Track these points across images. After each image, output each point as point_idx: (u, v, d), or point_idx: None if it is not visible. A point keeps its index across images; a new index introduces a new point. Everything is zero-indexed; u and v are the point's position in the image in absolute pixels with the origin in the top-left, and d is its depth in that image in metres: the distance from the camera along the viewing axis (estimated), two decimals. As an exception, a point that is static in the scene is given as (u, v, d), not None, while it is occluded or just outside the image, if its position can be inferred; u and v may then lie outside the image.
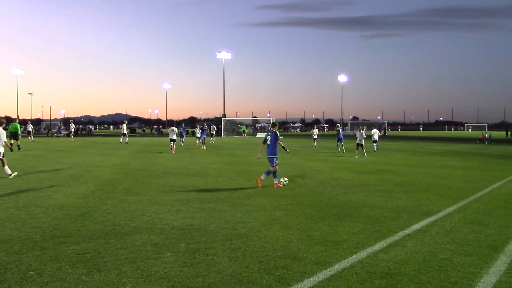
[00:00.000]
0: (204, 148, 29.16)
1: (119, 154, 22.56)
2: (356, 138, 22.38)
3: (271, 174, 11.15)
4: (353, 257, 5.19)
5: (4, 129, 12.71)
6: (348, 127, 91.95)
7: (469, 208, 8.32)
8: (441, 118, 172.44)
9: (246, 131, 66.66)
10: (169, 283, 4.30)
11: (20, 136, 26.28)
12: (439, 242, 5.86)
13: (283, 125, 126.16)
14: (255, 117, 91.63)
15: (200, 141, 31.34)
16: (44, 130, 75.85)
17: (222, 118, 65.53)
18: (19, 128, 26.48)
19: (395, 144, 38.52)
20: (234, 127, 68.73)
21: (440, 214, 7.70)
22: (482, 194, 10.17)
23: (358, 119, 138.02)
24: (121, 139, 34.11)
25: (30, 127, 40.64)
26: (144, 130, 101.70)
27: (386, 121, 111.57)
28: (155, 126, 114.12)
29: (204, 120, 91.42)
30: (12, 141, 23.55)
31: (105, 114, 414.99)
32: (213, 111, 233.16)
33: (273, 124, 11.78)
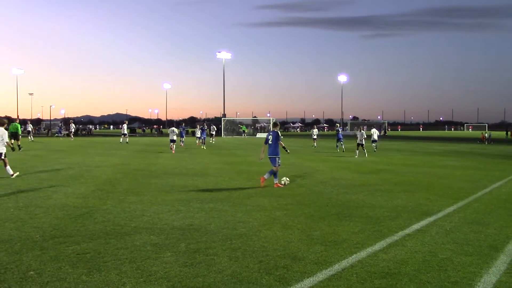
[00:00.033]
0: (204, 148, 29.17)
1: (119, 154, 22.56)
2: (357, 138, 22.46)
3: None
4: (353, 257, 5.20)
5: (6, 129, 12.72)
6: (348, 127, 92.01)
7: (469, 208, 8.32)
8: (441, 118, 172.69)
9: (246, 131, 66.67)
10: (169, 283, 4.30)
11: (20, 136, 26.32)
12: (439, 242, 5.86)
13: (283, 125, 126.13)
14: (255, 117, 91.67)
15: (200, 141, 31.37)
16: (44, 130, 75.90)
17: (222, 118, 65.53)
18: (19, 128, 26.50)
19: (395, 144, 38.52)
20: (234, 127, 68.74)
21: (440, 214, 7.71)
22: (482, 194, 10.17)
23: (358, 119, 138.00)
24: (121, 139, 34.10)
25: (30, 127, 40.76)
26: (144, 130, 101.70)
27: (386, 121, 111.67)
28: (155, 126, 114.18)
29: (204, 120, 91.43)
30: (13, 141, 23.54)
31: (105, 114, 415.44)
32: (213, 111, 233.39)
33: (275, 124, 11.81)
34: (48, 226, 6.55)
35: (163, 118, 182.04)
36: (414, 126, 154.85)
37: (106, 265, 4.81)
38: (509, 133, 62.68)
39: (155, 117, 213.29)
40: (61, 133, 49.20)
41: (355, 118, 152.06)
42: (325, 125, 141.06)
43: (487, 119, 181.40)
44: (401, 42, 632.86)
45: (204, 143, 30.68)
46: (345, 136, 28.06)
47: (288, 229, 6.55)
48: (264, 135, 56.89)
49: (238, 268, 4.75)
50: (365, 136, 22.51)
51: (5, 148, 12.31)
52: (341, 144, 25.89)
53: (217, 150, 27.23)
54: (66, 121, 71.80)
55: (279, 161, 11.25)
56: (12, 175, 12.22)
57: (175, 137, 25.41)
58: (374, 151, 25.02)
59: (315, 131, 32.97)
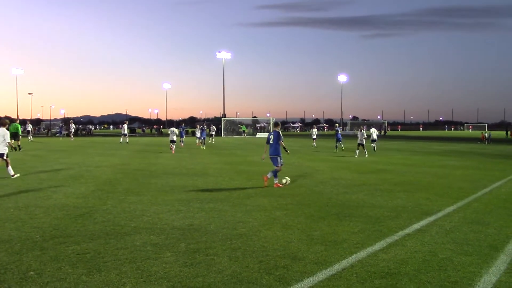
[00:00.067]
0: (204, 148, 29.19)
1: (119, 154, 22.57)
2: (357, 138, 22.53)
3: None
4: (353, 256, 5.20)
5: (7, 129, 12.72)
6: (348, 127, 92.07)
7: (469, 208, 8.32)
8: (441, 118, 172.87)
9: (246, 131, 66.68)
10: (169, 283, 4.30)
11: (20, 136, 26.35)
12: (439, 242, 5.86)
13: (283, 125, 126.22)
14: (255, 117, 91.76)
15: (200, 141, 31.38)
16: (44, 130, 75.91)
17: (222, 118, 65.56)
18: (19, 128, 26.54)
19: (395, 143, 38.54)
20: (234, 127, 68.76)
21: (440, 214, 7.71)
22: (482, 193, 10.17)
23: (358, 119, 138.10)
24: (121, 139, 34.12)
25: (29, 127, 40.91)
26: (144, 130, 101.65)
27: (386, 121, 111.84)
28: (155, 126, 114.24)
29: (204, 120, 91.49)
30: (13, 141, 23.57)
31: (105, 114, 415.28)
32: (213, 111, 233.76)
33: (276, 124, 11.82)
34: (48, 226, 6.55)
35: (163, 118, 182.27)
36: (414, 126, 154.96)
37: (106, 265, 4.81)
38: (509, 133, 62.73)
39: (155, 117, 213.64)
40: (61, 133, 49.22)
41: (355, 118, 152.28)
42: (325, 125, 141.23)
43: (487, 119, 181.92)
44: (401, 42, 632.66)
45: (204, 143, 30.70)
46: (344, 136, 28.11)
47: (288, 229, 6.55)
48: (264, 135, 56.97)
49: (238, 268, 4.75)
50: (366, 136, 22.59)
51: (7, 149, 12.32)
52: (340, 144, 26.22)
53: (217, 150, 27.24)
54: (66, 121, 71.83)
55: (281, 161, 11.26)
56: (13, 175, 12.23)
57: (175, 138, 25.40)
58: (374, 151, 25.06)
59: (315, 131, 32.99)
